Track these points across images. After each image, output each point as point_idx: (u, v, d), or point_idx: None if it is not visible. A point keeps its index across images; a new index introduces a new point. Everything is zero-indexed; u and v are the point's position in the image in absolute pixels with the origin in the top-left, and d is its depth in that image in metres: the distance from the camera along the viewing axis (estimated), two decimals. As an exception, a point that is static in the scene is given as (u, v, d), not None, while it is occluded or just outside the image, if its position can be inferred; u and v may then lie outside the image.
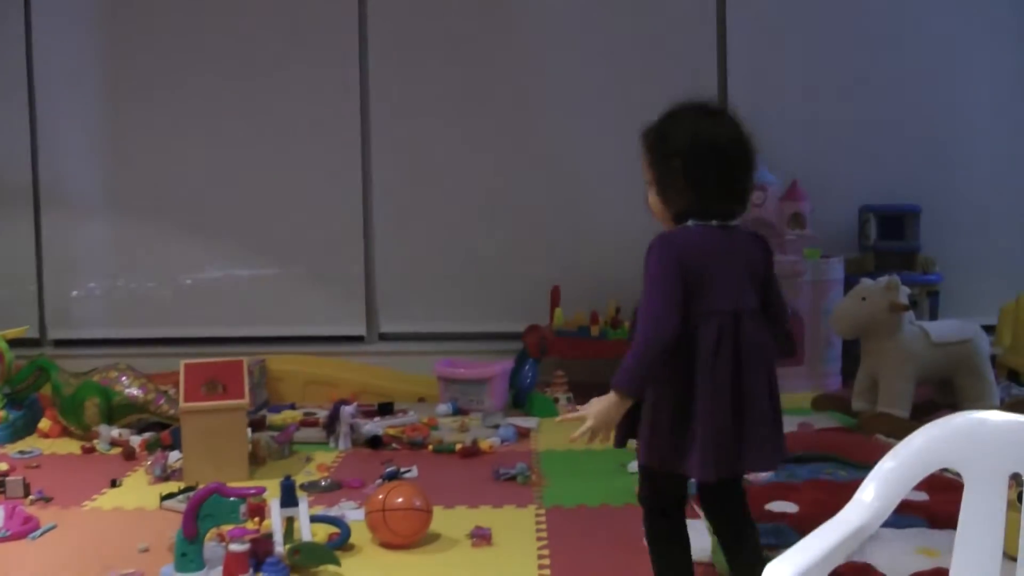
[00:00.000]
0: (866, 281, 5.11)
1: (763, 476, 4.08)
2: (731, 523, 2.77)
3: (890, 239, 6.31)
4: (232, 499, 3.18)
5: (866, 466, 4.10)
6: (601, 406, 2.63)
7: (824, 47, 6.51)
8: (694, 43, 6.50)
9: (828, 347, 6.04)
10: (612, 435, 2.67)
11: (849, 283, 5.70)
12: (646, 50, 6.47)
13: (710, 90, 6.42)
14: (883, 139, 6.52)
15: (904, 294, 4.97)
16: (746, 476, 2.92)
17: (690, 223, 2.63)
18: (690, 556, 2.77)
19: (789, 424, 4.77)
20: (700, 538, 3.34)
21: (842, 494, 3.73)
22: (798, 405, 5.44)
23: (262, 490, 3.38)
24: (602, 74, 6.49)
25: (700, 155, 2.61)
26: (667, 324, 2.52)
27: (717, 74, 6.47)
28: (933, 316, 6.17)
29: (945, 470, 1.85)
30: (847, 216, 6.47)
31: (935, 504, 3.58)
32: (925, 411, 4.89)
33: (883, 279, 5.02)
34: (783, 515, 3.62)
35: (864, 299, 5.01)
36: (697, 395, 2.53)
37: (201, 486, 3.58)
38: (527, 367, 5.82)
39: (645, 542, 2.82)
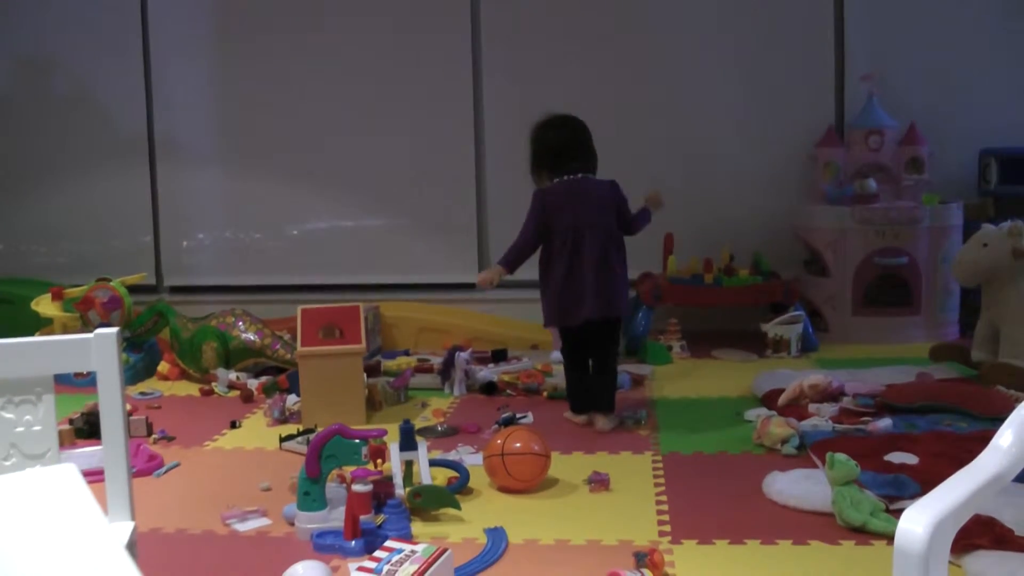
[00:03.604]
0: (988, 227, 4.99)
1: (881, 426, 4.03)
2: (602, 356, 4.43)
3: (1012, 183, 6.08)
4: (354, 441, 3.21)
5: (987, 418, 4.08)
6: (489, 271, 4.49)
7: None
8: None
9: (946, 295, 5.92)
10: (488, 282, 4.44)
11: (969, 229, 5.57)
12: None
13: (827, 34, 6.31)
14: (1004, 79, 6.32)
15: (1028, 240, 4.84)
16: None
17: (555, 180, 4.40)
18: (586, 373, 4.46)
19: (907, 374, 4.77)
20: (821, 490, 3.32)
21: (963, 446, 3.71)
22: (915, 355, 5.36)
23: (383, 432, 3.40)
24: (720, 23, 6.39)
25: (555, 151, 4.43)
26: (527, 234, 4.38)
27: (834, 17, 6.32)
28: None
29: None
30: (967, 160, 6.29)
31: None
32: (1049, 362, 4.78)
33: (1006, 224, 4.88)
34: (903, 466, 3.55)
35: (986, 245, 4.88)
36: (552, 279, 4.32)
37: (320, 429, 3.62)
38: (641, 315, 5.79)
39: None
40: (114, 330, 2.14)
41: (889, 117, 6.07)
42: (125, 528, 2.13)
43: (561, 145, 4.43)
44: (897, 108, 6.08)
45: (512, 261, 4.42)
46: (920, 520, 1.53)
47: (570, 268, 4.28)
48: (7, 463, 2.09)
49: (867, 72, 6.15)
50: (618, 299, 4.34)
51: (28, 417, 2.10)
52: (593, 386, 4.43)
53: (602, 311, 4.27)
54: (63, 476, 1.51)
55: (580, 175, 4.40)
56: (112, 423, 2.15)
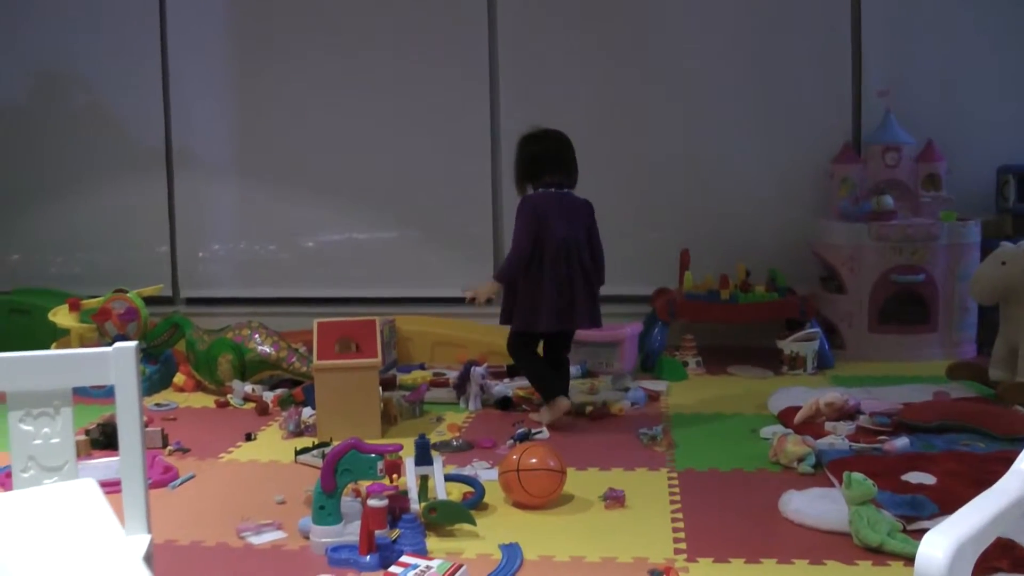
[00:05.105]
0: (1006, 245, 4.97)
1: (898, 445, 4.00)
2: (559, 360, 4.74)
3: (1030, 201, 6.10)
4: (370, 455, 3.21)
5: (1006, 438, 4.04)
6: (486, 286, 4.71)
7: (961, 3, 6.30)
8: (829, 2, 6.34)
9: (963, 313, 5.89)
10: (483, 298, 4.70)
11: (986, 247, 5.55)
12: (781, 13, 6.34)
13: (844, 49, 6.30)
14: (1022, 96, 6.29)
15: (1047, 258, 4.81)
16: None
17: (539, 190, 4.62)
18: (547, 365, 4.71)
19: (924, 392, 4.74)
20: (838, 509, 3.30)
21: (981, 466, 3.68)
22: (932, 373, 5.33)
23: (399, 447, 3.40)
24: (736, 38, 6.38)
25: (533, 163, 4.67)
26: (525, 247, 4.51)
27: (851, 32, 6.31)
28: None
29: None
30: (985, 177, 6.25)
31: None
32: (1068, 382, 4.75)
33: (1024, 242, 4.88)
34: (920, 486, 3.53)
35: (1004, 263, 4.86)
36: (544, 286, 4.48)
37: (335, 442, 3.62)
38: (656, 330, 5.78)
39: (515, 362, 4.90)
40: (133, 344, 2.15)
41: (906, 133, 6.05)
42: (142, 541, 2.13)
43: (540, 157, 4.67)
44: (914, 124, 6.07)
45: (511, 277, 4.61)
46: (941, 544, 1.52)
47: (566, 279, 4.54)
48: (25, 475, 2.10)
49: (883, 88, 6.13)
50: (598, 311, 4.70)
51: (46, 430, 2.11)
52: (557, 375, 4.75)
53: (592, 321, 4.68)
54: (84, 490, 1.52)
55: (565, 189, 4.67)
56: (130, 437, 2.16)
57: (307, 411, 4.70)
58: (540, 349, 4.81)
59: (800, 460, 3.88)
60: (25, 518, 1.47)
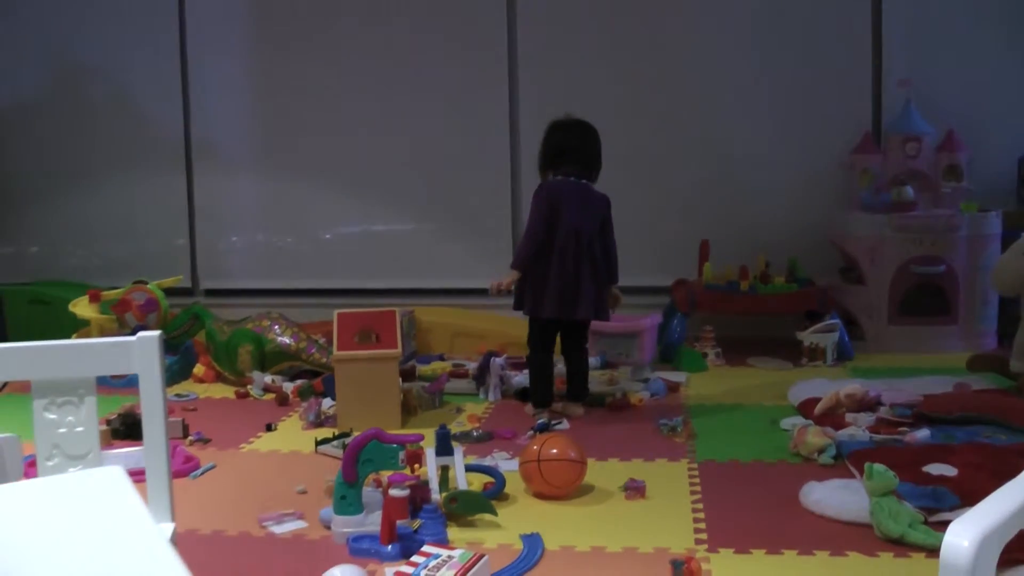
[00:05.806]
0: (1028, 236, 4.95)
1: (919, 436, 3.99)
2: (573, 349, 4.78)
3: (1053, 192, 6.06)
4: (392, 445, 3.21)
5: (1027, 431, 4.00)
6: (506, 276, 4.58)
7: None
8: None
9: (984, 305, 5.86)
10: (504, 287, 4.59)
11: (1007, 238, 5.52)
12: (801, 2, 6.31)
13: (864, 39, 6.27)
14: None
15: (1069, 250, 4.78)
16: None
17: (558, 178, 4.65)
18: (552, 373, 4.76)
19: (944, 384, 4.72)
20: (859, 500, 3.29)
21: (1002, 458, 3.66)
22: (953, 364, 5.30)
23: (420, 437, 3.40)
24: (756, 27, 6.36)
25: (555, 151, 4.68)
26: (538, 233, 4.55)
27: (871, 22, 6.28)
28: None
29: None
30: (1006, 167, 6.23)
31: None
32: (1090, 374, 4.72)
33: (1046, 234, 4.85)
34: (941, 478, 3.51)
35: (1025, 254, 4.84)
36: (551, 272, 4.52)
37: (355, 433, 3.62)
38: (675, 321, 5.78)
39: (528, 363, 4.85)
40: (156, 333, 2.16)
41: (927, 123, 6.02)
42: (165, 529, 2.14)
43: (562, 146, 4.68)
44: (935, 114, 6.03)
45: (524, 262, 4.59)
46: (967, 534, 1.51)
47: (573, 267, 4.53)
48: (50, 463, 2.11)
49: (904, 78, 6.10)
50: (604, 304, 4.71)
51: (70, 418, 2.12)
52: (572, 378, 4.80)
53: (596, 313, 4.65)
54: (112, 477, 1.53)
55: (584, 181, 4.67)
56: (153, 425, 2.17)
57: (327, 402, 4.71)
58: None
59: (820, 451, 3.87)
60: (56, 503, 1.48)
